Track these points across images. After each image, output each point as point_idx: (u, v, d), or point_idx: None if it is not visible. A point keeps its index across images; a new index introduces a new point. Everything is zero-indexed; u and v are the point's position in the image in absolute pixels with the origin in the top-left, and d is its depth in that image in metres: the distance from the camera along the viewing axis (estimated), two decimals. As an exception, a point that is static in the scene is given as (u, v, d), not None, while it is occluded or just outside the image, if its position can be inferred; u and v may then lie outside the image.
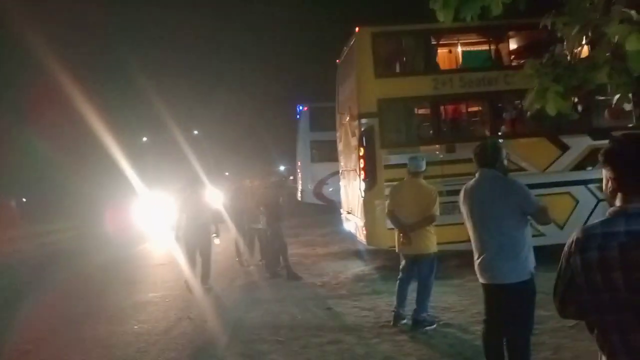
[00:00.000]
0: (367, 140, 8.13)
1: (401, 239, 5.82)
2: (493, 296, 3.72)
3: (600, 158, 1.89)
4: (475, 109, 9.22)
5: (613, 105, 8.27)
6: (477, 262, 3.78)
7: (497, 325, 3.75)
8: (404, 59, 8.55)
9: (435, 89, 8.22)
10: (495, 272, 3.64)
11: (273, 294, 7.83)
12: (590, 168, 8.20)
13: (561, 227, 7.66)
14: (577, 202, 8.11)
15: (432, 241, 5.76)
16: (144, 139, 21.34)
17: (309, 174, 17.37)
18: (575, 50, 3.84)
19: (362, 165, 8.18)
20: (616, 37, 2.85)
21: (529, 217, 3.74)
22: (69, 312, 7.62)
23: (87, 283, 10.03)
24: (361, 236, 8.75)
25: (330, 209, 17.31)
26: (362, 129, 8.19)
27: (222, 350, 5.51)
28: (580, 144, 8.23)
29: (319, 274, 9.06)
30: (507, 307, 3.66)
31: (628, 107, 8.58)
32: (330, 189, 16.90)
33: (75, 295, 8.80)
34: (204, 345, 5.79)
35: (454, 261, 8.87)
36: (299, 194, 18.10)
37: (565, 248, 1.94)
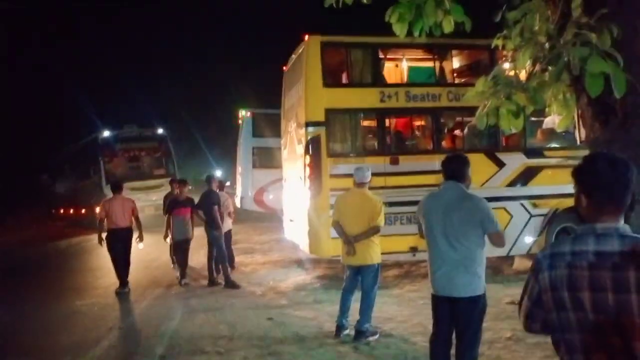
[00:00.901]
0: (314, 148, 8.10)
1: (345, 249, 5.79)
2: (446, 309, 3.74)
3: (572, 175, 1.93)
4: (418, 123, 9.44)
5: (556, 126, 8.77)
6: (434, 274, 3.78)
7: (447, 338, 3.79)
8: (352, 70, 8.60)
9: (381, 102, 8.34)
10: (453, 285, 3.67)
11: (211, 303, 7.59)
12: (523, 185, 8.61)
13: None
14: (511, 217, 8.45)
15: (376, 252, 5.77)
16: (105, 134, 19.03)
17: (250, 180, 17.08)
18: (526, 70, 3.99)
19: (307, 174, 8.13)
20: (575, 59, 2.97)
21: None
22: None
23: (9, 289, 9.31)
24: (304, 245, 8.68)
25: (269, 216, 17.12)
26: (309, 137, 8.15)
27: (157, 362, 5.25)
28: (515, 161, 8.61)
29: (258, 282, 8.89)
30: (461, 320, 3.70)
31: (560, 128, 9.11)
32: (271, 197, 16.67)
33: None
34: (137, 357, 5.48)
35: (393, 271, 9.01)
36: (238, 201, 17.78)
37: (534, 264, 1.96)
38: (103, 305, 7.87)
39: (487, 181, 8.33)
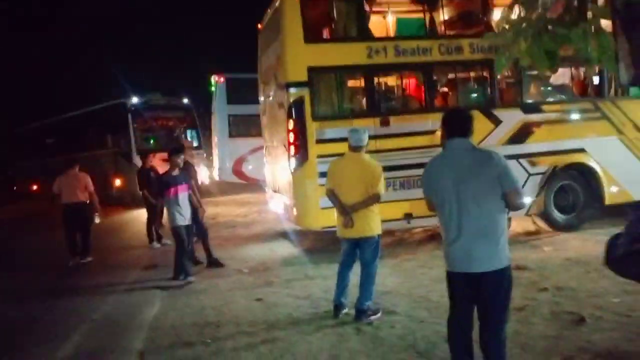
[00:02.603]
0: (297, 112, 7.41)
1: (342, 221, 5.20)
2: (465, 286, 3.18)
3: None
4: (410, 80, 8.80)
5: (564, 79, 8.19)
6: (449, 247, 3.20)
7: (467, 319, 3.23)
8: (336, 23, 7.85)
9: (368, 58, 7.66)
10: (473, 259, 3.09)
11: (193, 285, 6.96)
12: (521, 142, 8.12)
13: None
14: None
15: (376, 222, 5.19)
16: (134, 100, 16.86)
17: (227, 150, 16.37)
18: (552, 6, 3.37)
19: (291, 140, 7.46)
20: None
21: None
22: None
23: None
24: (290, 217, 8.09)
25: (249, 187, 16.53)
26: (291, 100, 7.45)
27: (137, 359, 4.63)
28: (513, 118, 8.11)
29: (243, 259, 8.29)
30: (485, 298, 3.13)
31: (561, 80, 8.62)
32: (250, 167, 16.05)
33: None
34: (113, 353, 4.84)
35: (385, 239, 8.47)
36: (215, 172, 17.05)
37: None
38: (76, 292, 7.17)
39: (484, 139, 7.78)
